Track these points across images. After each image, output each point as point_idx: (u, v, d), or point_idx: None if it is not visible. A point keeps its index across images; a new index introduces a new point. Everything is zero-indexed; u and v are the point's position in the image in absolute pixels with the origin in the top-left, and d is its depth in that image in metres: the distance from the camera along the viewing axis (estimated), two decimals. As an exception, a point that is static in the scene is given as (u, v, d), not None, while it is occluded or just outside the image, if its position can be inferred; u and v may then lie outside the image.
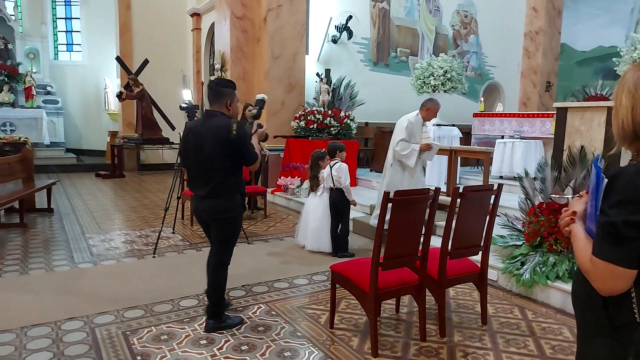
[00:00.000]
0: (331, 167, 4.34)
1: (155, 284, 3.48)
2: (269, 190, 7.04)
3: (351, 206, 4.45)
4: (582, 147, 3.62)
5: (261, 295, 3.29)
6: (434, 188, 2.75)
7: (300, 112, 7.47)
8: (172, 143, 10.34)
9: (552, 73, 10.61)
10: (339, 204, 4.34)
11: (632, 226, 0.97)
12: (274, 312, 3.01)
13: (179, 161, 4.37)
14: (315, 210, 4.43)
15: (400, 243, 2.57)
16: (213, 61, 9.28)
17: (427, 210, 2.71)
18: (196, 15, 11.07)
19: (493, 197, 2.91)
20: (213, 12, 9.11)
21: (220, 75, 8.00)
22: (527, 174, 3.94)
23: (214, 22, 9.04)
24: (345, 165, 4.37)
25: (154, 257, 4.14)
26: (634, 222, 0.97)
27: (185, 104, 5.03)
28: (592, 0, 12.48)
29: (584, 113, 3.72)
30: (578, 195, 1.26)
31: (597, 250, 1.04)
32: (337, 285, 2.79)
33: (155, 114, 10.91)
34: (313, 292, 3.37)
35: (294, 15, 7.64)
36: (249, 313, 2.99)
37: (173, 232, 4.97)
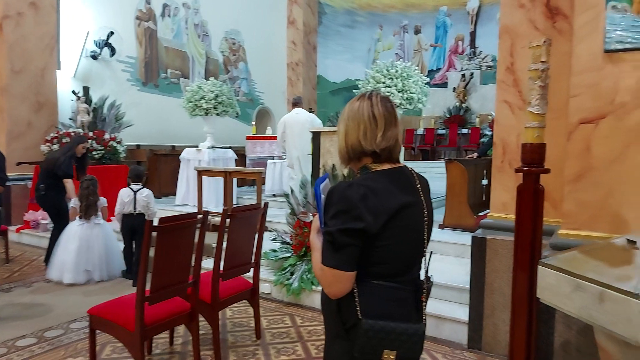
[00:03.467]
0: (135, 192, 4.14)
1: None
2: (13, 228, 5.87)
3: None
4: (333, 165, 4.15)
5: (-3, 360, 2.67)
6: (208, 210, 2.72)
7: (53, 134, 6.48)
8: None
9: (312, 100, 11.96)
10: (140, 229, 3.96)
11: (345, 233, 1.13)
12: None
13: None
14: (98, 238, 4.22)
15: (168, 272, 2.44)
16: None
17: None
18: None
19: (261, 215, 3.05)
20: None
21: None
22: (292, 191, 4.30)
23: None
24: (151, 192, 4.27)
25: None
26: (347, 229, 1.13)
27: None
28: (338, 38, 14.66)
29: (332, 136, 4.31)
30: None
31: (323, 258, 1.17)
32: (99, 331, 2.47)
33: None
34: (70, 343, 2.91)
35: (40, 26, 6.64)
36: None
37: None
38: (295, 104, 6.28)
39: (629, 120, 2.17)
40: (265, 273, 3.77)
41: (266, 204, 3.10)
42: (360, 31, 14.70)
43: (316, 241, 1.28)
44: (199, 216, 2.62)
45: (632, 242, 1.58)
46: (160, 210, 5.16)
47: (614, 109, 2.19)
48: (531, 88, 2.10)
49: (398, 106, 5.31)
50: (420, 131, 12.73)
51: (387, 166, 1.27)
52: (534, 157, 2.10)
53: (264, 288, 3.65)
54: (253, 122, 10.21)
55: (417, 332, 1.18)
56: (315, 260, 1.24)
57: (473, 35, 13.36)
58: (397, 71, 5.25)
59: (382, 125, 1.25)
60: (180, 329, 3.04)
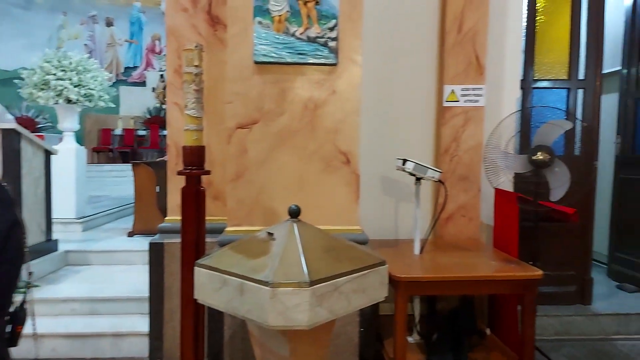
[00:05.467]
0: None
1: None
2: None
3: None
4: None
5: None
6: None
7: None
8: None
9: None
10: None
11: None
12: None
13: None
14: None
15: None
16: None
17: None
18: None
19: None
20: None
21: None
22: None
23: None
24: None
25: None
26: None
27: None
28: (10, 20, 12.15)
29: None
30: None
31: None
32: None
33: None
34: None
35: None
36: None
37: None
38: None
39: (275, 126, 2.47)
40: None
41: None
42: (38, 14, 12.58)
43: None
44: None
45: (270, 234, 1.77)
46: None
47: (263, 116, 2.46)
48: (187, 91, 2.13)
49: (75, 102, 4.70)
50: (118, 131, 11.86)
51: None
52: (193, 160, 2.13)
53: None
54: None
55: None
56: None
57: (170, 36, 13.32)
58: (71, 63, 4.62)
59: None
60: None
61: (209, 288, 1.70)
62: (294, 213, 1.80)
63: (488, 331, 2.77)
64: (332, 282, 1.59)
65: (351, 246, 1.85)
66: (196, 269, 1.75)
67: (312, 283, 1.52)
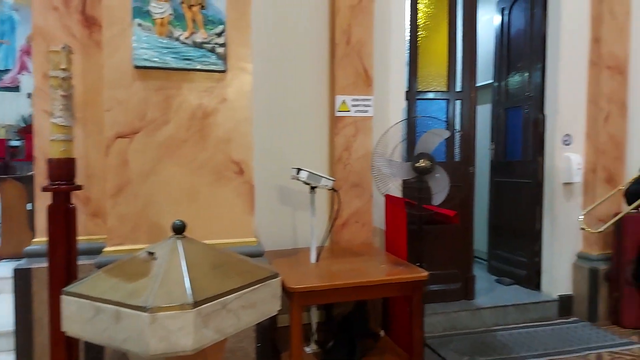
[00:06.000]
0: None
1: None
2: None
3: None
4: None
5: None
6: None
7: None
8: None
9: None
10: None
11: None
12: None
13: None
14: None
15: None
16: None
17: None
18: None
19: None
20: None
21: None
22: None
23: None
24: None
25: None
26: None
27: None
28: None
29: None
30: None
31: None
32: None
33: None
34: None
35: None
36: None
37: None
38: None
39: (160, 136, 2.32)
40: None
41: None
42: None
43: None
44: None
45: (151, 254, 1.63)
46: None
47: (146, 124, 2.29)
48: (53, 98, 1.91)
49: None
50: (-14, 142, 10.43)
51: None
52: (61, 174, 1.92)
53: None
54: None
55: None
56: None
57: (49, 37, 12.09)
58: None
59: None
60: None
61: (80, 318, 1.51)
62: (178, 229, 1.68)
63: (382, 333, 2.87)
64: (220, 300, 1.51)
65: (242, 260, 1.78)
66: (64, 297, 1.55)
67: (197, 304, 1.42)
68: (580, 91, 3.68)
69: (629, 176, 3.64)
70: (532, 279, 3.86)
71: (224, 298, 1.53)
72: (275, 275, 1.74)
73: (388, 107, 3.24)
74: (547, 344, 3.10)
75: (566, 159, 3.63)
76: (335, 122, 3.04)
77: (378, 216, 3.15)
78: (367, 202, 3.10)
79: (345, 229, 3.07)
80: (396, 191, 3.12)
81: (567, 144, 3.67)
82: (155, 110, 2.31)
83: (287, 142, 3.10)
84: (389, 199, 2.89)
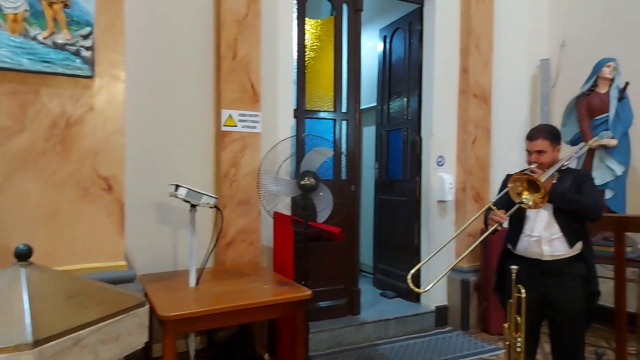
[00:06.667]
0: None
1: None
2: None
3: None
4: None
5: None
6: None
7: None
8: None
9: None
10: None
11: None
12: None
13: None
14: None
15: None
16: None
17: None
18: None
19: None
20: None
21: None
22: None
23: None
24: None
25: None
26: None
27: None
28: None
29: None
30: None
31: None
32: None
33: None
34: None
35: None
36: None
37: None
38: None
39: (12, 146, 2.03)
40: None
41: None
42: None
43: None
44: None
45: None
46: None
47: None
48: None
49: None
50: None
51: None
52: None
53: None
54: None
55: None
56: None
57: None
58: None
59: None
60: None
61: None
62: (22, 255, 1.45)
63: (267, 356, 2.78)
64: (71, 336, 1.32)
65: (103, 288, 1.59)
66: None
67: (38, 343, 1.22)
68: (451, 116, 4.03)
69: (493, 195, 4.05)
70: (412, 292, 4.03)
71: (77, 333, 1.34)
72: (142, 304, 1.58)
73: (277, 125, 3.22)
74: (424, 355, 3.27)
75: (440, 178, 3.93)
76: (221, 136, 2.94)
77: (268, 234, 3.09)
78: (255, 220, 3.03)
79: (230, 249, 2.96)
80: (285, 209, 3.09)
81: (441, 165, 3.99)
82: (7, 117, 2.02)
83: (168, 157, 2.91)
84: (277, 216, 2.85)
